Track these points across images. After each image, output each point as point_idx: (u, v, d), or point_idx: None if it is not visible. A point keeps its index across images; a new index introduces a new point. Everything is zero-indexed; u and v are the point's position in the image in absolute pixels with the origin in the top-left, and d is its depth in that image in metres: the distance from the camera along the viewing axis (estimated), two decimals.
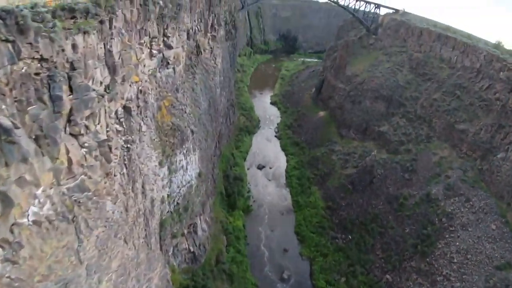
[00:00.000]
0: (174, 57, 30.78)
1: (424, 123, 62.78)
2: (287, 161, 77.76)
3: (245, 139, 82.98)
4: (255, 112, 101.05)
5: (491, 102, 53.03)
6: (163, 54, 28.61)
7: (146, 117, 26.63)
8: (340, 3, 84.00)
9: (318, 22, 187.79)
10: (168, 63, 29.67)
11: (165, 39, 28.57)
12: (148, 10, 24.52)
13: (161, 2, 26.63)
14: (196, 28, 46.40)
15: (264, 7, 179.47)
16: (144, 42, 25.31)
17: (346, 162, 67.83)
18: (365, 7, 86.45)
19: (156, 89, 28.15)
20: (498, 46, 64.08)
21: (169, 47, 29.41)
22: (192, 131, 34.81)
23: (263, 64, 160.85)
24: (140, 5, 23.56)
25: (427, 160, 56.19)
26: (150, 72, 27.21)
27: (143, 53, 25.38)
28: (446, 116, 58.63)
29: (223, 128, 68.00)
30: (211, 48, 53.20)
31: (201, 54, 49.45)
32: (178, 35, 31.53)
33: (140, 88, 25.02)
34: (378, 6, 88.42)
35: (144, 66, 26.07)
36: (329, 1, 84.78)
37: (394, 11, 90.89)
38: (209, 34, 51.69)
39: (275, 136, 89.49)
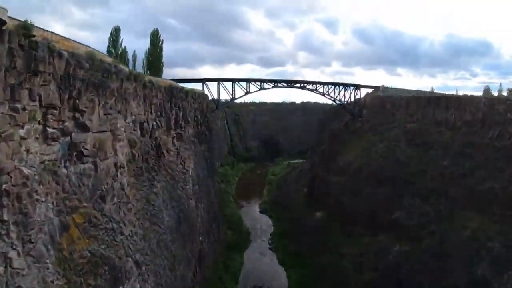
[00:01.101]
0: (94, 146, 19.96)
1: (440, 197, 52.74)
2: (288, 277, 61.38)
3: (235, 257, 67.24)
4: (244, 224, 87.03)
5: (508, 148, 45.77)
6: (71, 138, 17.84)
7: (31, 241, 14.15)
8: (319, 90, 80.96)
9: (296, 122, 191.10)
10: (82, 154, 18.68)
11: (76, 114, 18.28)
12: (35, 56, 14.68)
13: (65, 54, 17.10)
14: (155, 123, 37.25)
15: (242, 114, 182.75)
16: (26, 110, 14.62)
17: (361, 266, 53.82)
18: (344, 90, 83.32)
19: (57, 194, 16.38)
20: (487, 92, 59.64)
21: (84, 128, 18.91)
22: (137, 263, 21.68)
23: (248, 171, 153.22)
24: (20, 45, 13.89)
25: (458, 238, 44.91)
26: (44, 166, 15.85)
27: (23, 128, 14.40)
28: (463, 181, 49.85)
29: (205, 247, 53.25)
30: (177, 149, 43.41)
31: (164, 156, 39.20)
32: (105, 114, 21.42)
33: (12, 188, 13.33)
34: (357, 87, 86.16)
35: (30, 153, 14.89)
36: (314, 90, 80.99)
37: (373, 89, 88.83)
38: (173, 132, 42.51)
39: (270, 249, 73.98)
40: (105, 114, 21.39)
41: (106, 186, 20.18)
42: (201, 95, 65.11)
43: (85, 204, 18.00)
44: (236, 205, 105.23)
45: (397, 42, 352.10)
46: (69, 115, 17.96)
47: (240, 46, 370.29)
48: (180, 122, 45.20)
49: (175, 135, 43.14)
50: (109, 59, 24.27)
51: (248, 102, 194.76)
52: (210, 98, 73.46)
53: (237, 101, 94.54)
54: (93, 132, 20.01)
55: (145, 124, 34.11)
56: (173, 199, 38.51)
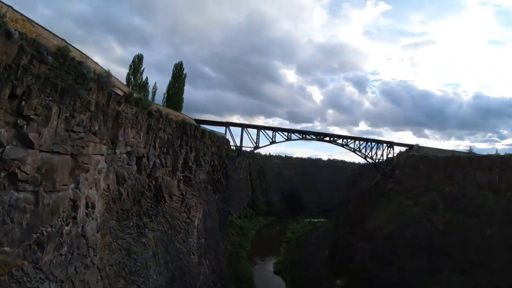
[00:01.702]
0: (39, 171, 14.91)
1: (485, 271, 45.70)
2: None
3: None
4: (254, 284, 78.13)
5: None
6: (2, 153, 13.50)
7: None
8: (350, 146, 75.20)
9: (322, 180, 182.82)
10: (17, 178, 14.12)
11: (19, 121, 13.93)
12: None
13: (16, 35, 13.58)
14: (159, 161, 33.46)
15: (267, 166, 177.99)
16: None
17: None
18: (376, 148, 77.10)
19: None
20: None
21: (25, 142, 14.06)
22: None
23: (267, 226, 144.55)
24: None
25: None
26: None
27: None
28: (510, 253, 44.10)
29: None
30: (182, 194, 38.96)
31: (164, 200, 34.79)
32: (67, 131, 17.09)
33: None
34: (390, 144, 79.57)
35: None
36: (344, 145, 75.60)
37: (407, 148, 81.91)
38: (179, 174, 38.41)
39: None
40: (66, 131, 17.18)
41: (50, 230, 15.46)
42: (221, 139, 61.77)
43: (7, 249, 13.25)
44: (249, 262, 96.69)
45: (425, 103, 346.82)
46: (7, 119, 13.72)
47: (270, 99, 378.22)
48: (191, 164, 41.25)
49: (182, 178, 39.03)
50: (98, 68, 20.96)
51: (274, 154, 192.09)
52: (232, 144, 69.34)
53: (262, 153, 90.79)
54: (40, 150, 15.28)
55: (144, 159, 30.35)
56: (169, 253, 33.17)
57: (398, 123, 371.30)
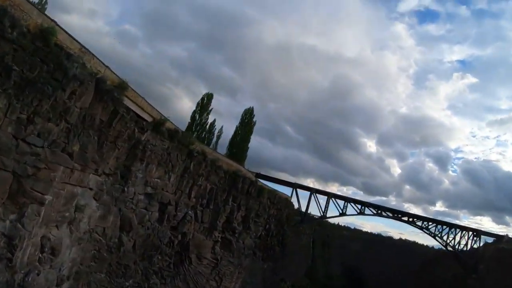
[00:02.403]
0: None
1: None
2: None
3: None
4: None
5: None
6: None
7: None
8: (430, 229, 61.60)
9: (389, 259, 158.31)
10: None
11: None
12: None
13: None
14: (191, 213, 26.63)
15: (334, 236, 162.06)
16: None
17: None
18: (461, 235, 62.22)
19: None
20: None
21: None
22: None
23: None
24: None
25: None
26: None
27: None
28: None
29: None
30: (216, 259, 30.91)
31: (190, 262, 27.18)
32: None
33: None
34: (477, 233, 62.84)
35: None
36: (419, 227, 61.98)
37: (495, 238, 63.96)
38: (217, 235, 30.74)
39: None
40: (15, 138, 11.12)
41: None
42: (284, 201, 53.47)
43: None
44: None
45: (509, 186, 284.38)
46: None
47: (347, 167, 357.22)
48: (235, 225, 33.33)
49: (220, 239, 31.13)
50: (111, 75, 15.53)
51: (342, 225, 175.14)
52: (296, 208, 61.85)
53: (330, 220, 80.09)
54: None
55: (171, 207, 23.70)
56: None
57: (478, 207, 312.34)
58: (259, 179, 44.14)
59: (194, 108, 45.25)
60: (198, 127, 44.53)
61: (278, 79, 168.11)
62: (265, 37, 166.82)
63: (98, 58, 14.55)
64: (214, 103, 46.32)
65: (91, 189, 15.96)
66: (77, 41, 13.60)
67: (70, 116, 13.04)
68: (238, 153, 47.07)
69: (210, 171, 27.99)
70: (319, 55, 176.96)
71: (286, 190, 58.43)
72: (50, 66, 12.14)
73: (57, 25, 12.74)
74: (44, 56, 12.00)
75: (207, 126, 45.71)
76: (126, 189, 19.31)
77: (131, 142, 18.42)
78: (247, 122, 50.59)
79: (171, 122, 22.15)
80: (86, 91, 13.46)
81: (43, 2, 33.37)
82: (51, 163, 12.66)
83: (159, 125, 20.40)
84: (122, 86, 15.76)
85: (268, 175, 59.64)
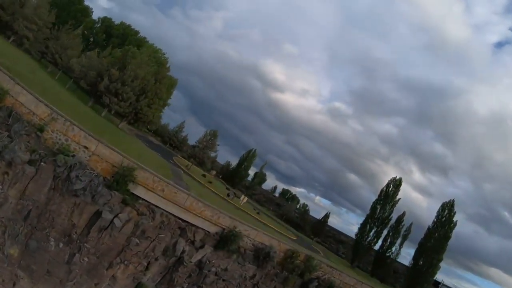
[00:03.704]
0: None
1: None
2: None
3: None
4: None
5: None
6: None
7: None
8: None
9: None
10: None
11: None
12: None
13: None
14: None
15: None
16: None
17: None
18: None
19: None
20: None
21: None
22: None
23: None
24: None
25: None
26: None
27: None
28: None
29: None
30: None
31: None
32: None
33: None
34: None
35: None
36: None
37: None
38: None
39: None
40: None
41: None
42: None
43: None
44: None
45: None
46: None
47: None
48: None
49: None
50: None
51: None
52: None
53: None
54: None
55: None
56: None
57: None
58: None
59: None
60: (376, 222, 40.15)
61: (494, 155, 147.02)
62: (475, 108, 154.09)
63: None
64: (423, 181, 40.13)
65: None
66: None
67: None
68: (425, 269, 39.79)
69: None
70: None
71: None
72: None
73: None
74: None
75: (390, 221, 40.61)
76: None
77: None
78: (444, 221, 41.40)
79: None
80: None
81: None
82: None
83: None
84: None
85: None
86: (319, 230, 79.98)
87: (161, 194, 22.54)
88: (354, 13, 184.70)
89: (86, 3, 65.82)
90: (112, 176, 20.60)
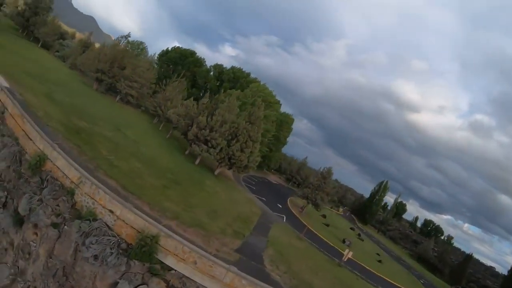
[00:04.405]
0: None
1: None
2: None
3: None
4: None
5: None
6: None
7: None
8: None
9: None
10: None
11: None
12: None
13: None
14: None
15: None
16: None
17: None
18: None
19: None
20: None
21: None
22: None
23: None
24: None
25: None
26: None
27: None
28: None
29: None
30: None
31: None
32: None
33: None
34: None
35: None
36: None
37: None
38: None
39: None
40: None
41: None
42: None
43: None
44: None
45: None
46: None
47: None
48: None
49: None
50: None
51: None
52: None
53: None
54: None
55: None
56: None
57: None
58: None
59: None
60: None
61: None
62: None
63: None
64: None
65: None
66: None
67: None
68: None
69: None
70: None
71: None
72: None
73: None
74: None
75: None
76: None
77: None
78: None
79: None
80: None
81: None
82: None
83: None
84: None
85: None
86: (459, 274, 71.65)
87: (193, 267, 19.24)
88: (475, 12, 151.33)
89: (212, 53, 71.91)
90: (137, 243, 18.64)
